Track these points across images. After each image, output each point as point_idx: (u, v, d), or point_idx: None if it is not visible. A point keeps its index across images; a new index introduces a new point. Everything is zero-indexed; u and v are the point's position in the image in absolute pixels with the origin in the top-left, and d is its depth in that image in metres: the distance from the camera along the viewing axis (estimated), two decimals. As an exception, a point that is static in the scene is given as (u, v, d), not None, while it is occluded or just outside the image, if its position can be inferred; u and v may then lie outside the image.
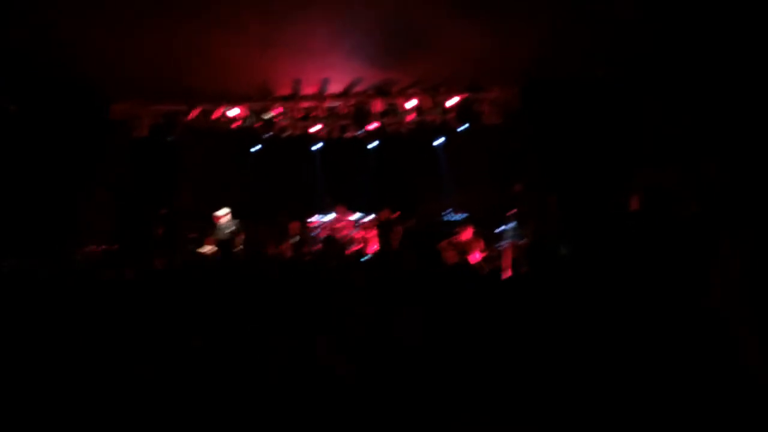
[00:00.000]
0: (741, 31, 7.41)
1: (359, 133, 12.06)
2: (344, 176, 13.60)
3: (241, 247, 10.48)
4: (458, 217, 11.75)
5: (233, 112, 11.13)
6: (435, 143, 13.17)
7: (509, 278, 4.49)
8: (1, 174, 8.82)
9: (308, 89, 10.69)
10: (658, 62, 8.88)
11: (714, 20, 7.58)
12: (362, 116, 11.12)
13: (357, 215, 12.18)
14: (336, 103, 11.16)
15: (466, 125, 11.42)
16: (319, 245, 11.13)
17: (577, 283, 3.56)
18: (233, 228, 10.56)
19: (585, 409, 2.32)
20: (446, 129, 12.23)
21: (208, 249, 10.14)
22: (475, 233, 10.33)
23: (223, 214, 10.51)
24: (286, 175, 13.41)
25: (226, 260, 9.87)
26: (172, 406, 2.74)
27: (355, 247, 11.32)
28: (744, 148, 7.60)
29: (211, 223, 10.49)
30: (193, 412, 2.70)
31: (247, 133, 11.90)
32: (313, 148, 13.40)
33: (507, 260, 9.92)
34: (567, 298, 3.17)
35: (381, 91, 10.91)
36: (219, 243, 10.26)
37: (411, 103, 10.99)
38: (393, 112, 11.59)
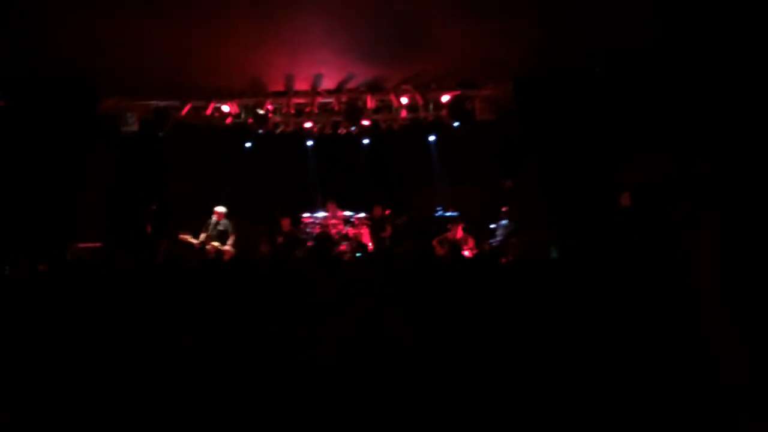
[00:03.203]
0: (738, 28, 7.44)
1: (352, 129, 12.06)
2: (337, 172, 13.61)
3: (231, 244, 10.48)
4: (450, 213, 11.79)
5: (225, 107, 11.09)
6: (427, 140, 13.19)
7: (503, 276, 4.50)
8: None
9: (301, 85, 10.66)
10: (652, 59, 8.90)
11: (710, 18, 7.60)
12: (355, 112, 11.09)
13: (349, 212, 12.20)
14: (329, 99, 11.13)
15: (459, 122, 11.42)
16: (311, 242, 11.16)
17: (570, 278, 3.58)
18: (226, 226, 10.56)
19: (582, 405, 2.33)
20: (439, 126, 12.24)
21: (197, 241, 10.14)
22: (466, 230, 10.39)
23: (221, 210, 10.51)
24: (278, 172, 13.41)
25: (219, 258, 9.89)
26: (166, 402, 2.73)
27: (346, 244, 11.34)
28: (739, 145, 7.65)
29: (204, 218, 10.48)
30: (184, 408, 2.69)
31: (239, 129, 11.88)
32: (306, 144, 13.40)
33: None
34: (560, 294, 3.17)
35: (374, 87, 10.89)
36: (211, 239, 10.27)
37: (404, 100, 10.98)
38: (386, 108, 11.60)
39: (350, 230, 11.71)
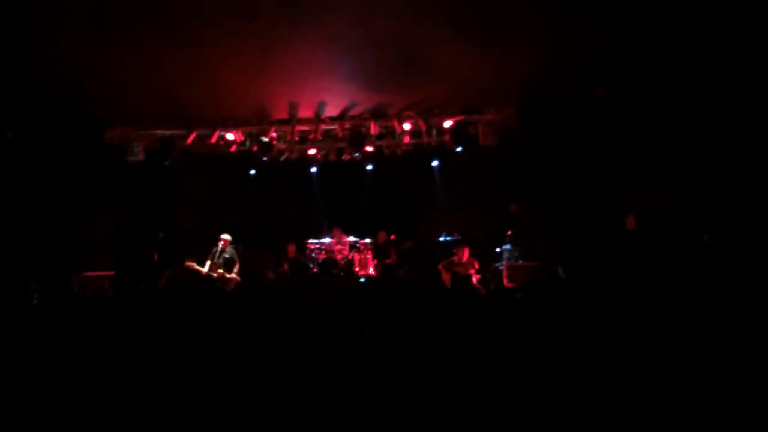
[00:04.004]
0: (735, 48, 7.50)
1: (356, 155, 12.12)
2: (341, 199, 13.66)
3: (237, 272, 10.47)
4: (454, 238, 11.79)
5: (230, 136, 11.18)
6: (431, 165, 13.24)
7: (509, 296, 4.49)
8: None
9: (305, 113, 10.75)
10: (653, 80, 8.96)
11: (709, 39, 7.67)
12: (359, 139, 11.17)
13: (353, 237, 12.22)
14: (332, 126, 11.22)
15: (462, 147, 11.48)
16: (316, 268, 11.17)
17: (576, 297, 3.58)
18: (232, 254, 10.54)
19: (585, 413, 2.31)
20: (442, 151, 12.30)
21: (203, 269, 10.12)
22: (471, 254, 10.37)
23: (227, 238, 10.49)
24: (283, 198, 13.46)
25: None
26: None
27: (351, 269, 11.33)
28: (743, 165, 7.65)
29: (210, 246, 10.48)
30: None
31: (244, 156, 11.96)
32: (310, 171, 13.48)
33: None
34: (567, 310, 3.17)
35: (377, 113, 10.97)
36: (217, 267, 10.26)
37: (407, 126, 11.05)
38: (389, 134, 11.67)
39: (356, 255, 11.72)
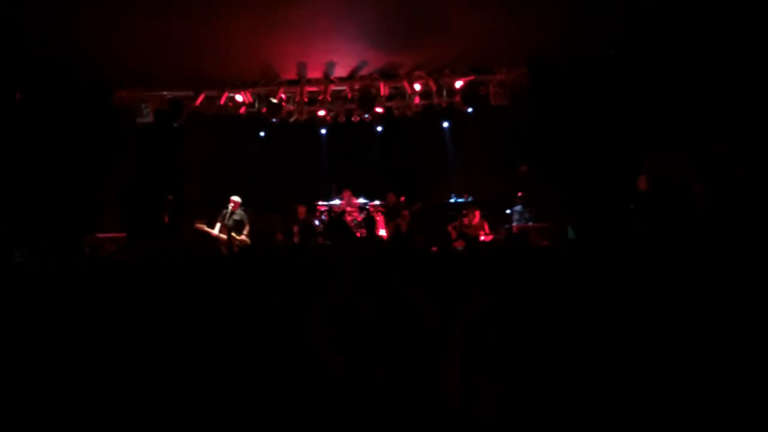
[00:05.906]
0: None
1: (365, 116, 12.03)
2: (351, 160, 13.60)
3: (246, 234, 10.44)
4: (465, 199, 11.75)
5: (239, 97, 11.11)
6: (442, 126, 13.12)
7: (519, 262, 4.43)
8: (7, 162, 8.85)
9: (313, 73, 10.64)
10: (665, 45, 8.78)
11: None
12: (368, 100, 11.05)
13: (363, 199, 12.21)
14: (342, 87, 11.11)
15: (473, 108, 11.35)
16: (326, 229, 11.18)
17: (584, 266, 3.54)
18: (242, 216, 10.49)
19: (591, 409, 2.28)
20: (453, 112, 12.18)
21: (215, 232, 10.11)
22: (482, 216, 10.35)
23: (237, 200, 10.42)
24: (292, 160, 13.43)
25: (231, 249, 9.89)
26: (168, 402, 2.72)
27: (361, 231, 11.35)
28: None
29: (220, 208, 10.46)
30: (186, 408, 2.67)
31: (253, 118, 11.90)
32: (320, 132, 13.40)
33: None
34: (574, 286, 3.12)
35: (387, 74, 10.84)
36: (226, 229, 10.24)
37: (417, 86, 10.91)
38: (399, 95, 11.55)
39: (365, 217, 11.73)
